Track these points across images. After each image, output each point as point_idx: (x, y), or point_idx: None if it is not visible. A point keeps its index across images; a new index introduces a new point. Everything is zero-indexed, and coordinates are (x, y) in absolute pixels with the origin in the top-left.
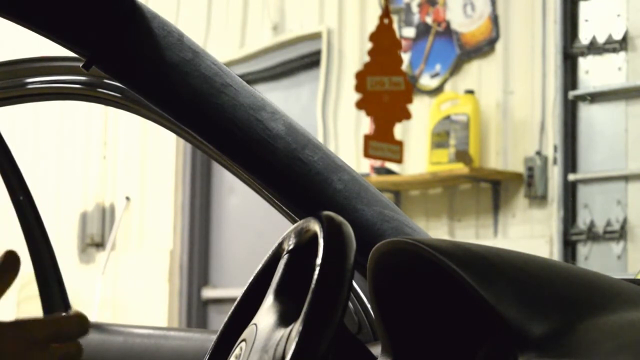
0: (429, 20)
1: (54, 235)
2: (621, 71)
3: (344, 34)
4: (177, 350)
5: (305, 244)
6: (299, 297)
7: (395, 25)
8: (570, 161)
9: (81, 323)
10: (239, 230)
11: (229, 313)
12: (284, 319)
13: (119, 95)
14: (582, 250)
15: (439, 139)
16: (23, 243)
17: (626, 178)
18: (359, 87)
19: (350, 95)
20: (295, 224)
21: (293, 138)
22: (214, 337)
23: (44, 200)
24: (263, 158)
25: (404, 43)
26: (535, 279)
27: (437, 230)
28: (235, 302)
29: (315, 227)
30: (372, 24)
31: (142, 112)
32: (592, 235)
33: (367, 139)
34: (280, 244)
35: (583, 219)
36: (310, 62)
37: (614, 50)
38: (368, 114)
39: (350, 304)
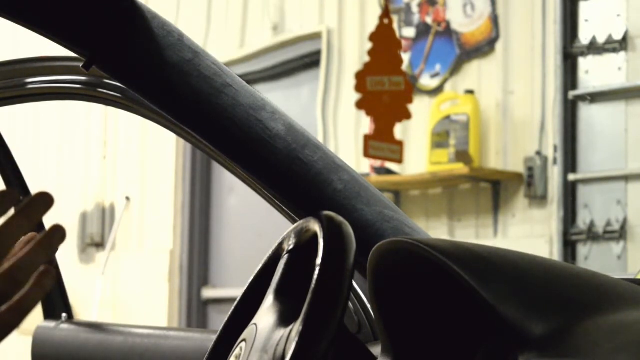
0: (429, 20)
1: None
2: (621, 71)
3: (344, 34)
4: (177, 350)
5: (305, 244)
6: (299, 297)
7: (395, 25)
8: (570, 161)
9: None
10: (239, 230)
11: (229, 313)
12: (284, 319)
13: (119, 95)
14: (582, 250)
15: (439, 139)
16: None
17: (626, 178)
18: (359, 87)
19: (350, 95)
20: (295, 224)
21: (293, 138)
22: (214, 337)
23: None
24: (263, 158)
25: (404, 43)
26: (535, 279)
27: (437, 230)
28: (235, 302)
29: (315, 227)
30: (372, 24)
31: (142, 112)
32: (592, 235)
33: (367, 139)
34: (280, 244)
35: (583, 219)
36: (310, 62)
37: (614, 50)
38: (368, 114)
39: (350, 304)
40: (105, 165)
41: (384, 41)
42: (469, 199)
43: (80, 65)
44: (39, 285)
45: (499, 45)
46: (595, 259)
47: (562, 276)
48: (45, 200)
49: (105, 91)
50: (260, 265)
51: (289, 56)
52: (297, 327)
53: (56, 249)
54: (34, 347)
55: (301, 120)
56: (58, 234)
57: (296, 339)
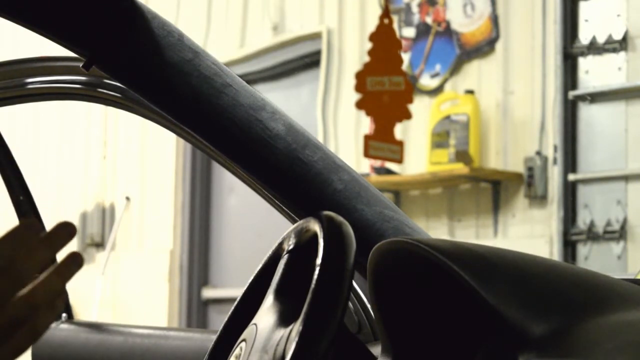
0: (429, 20)
1: None
2: (621, 71)
3: (344, 34)
4: (177, 350)
5: (305, 244)
6: (299, 297)
7: (395, 25)
8: (570, 161)
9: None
10: (239, 230)
11: (229, 313)
12: (284, 319)
13: (119, 95)
14: (582, 250)
15: (439, 139)
16: None
17: (626, 178)
18: (359, 87)
19: (350, 95)
20: (295, 224)
21: (293, 138)
22: (214, 337)
23: (44, 200)
24: (263, 158)
25: (404, 43)
26: (535, 279)
27: (437, 230)
28: (235, 302)
29: (315, 227)
30: (372, 24)
31: (142, 112)
32: (592, 235)
33: (367, 139)
34: (280, 244)
35: (583, 219)
36: (310, 62)
37: (614, 50)
38: (368, 114)
39: (350, 304)
40: (105, 165)
41: (384, 41)
42: (469, 199)
43: (80, 65)
44: (52, 308)
45: (499, 45)
46: (595, 259)
47: (562, 276)
48: (67, 230)
49: (105, 91)
50: (260, 265)
51: (289, 56)
52: (297, 327)
53: (72, 275)
54: (34, 347)
55: (301, 120)
56: (76, 261)
57: (296, 339)
